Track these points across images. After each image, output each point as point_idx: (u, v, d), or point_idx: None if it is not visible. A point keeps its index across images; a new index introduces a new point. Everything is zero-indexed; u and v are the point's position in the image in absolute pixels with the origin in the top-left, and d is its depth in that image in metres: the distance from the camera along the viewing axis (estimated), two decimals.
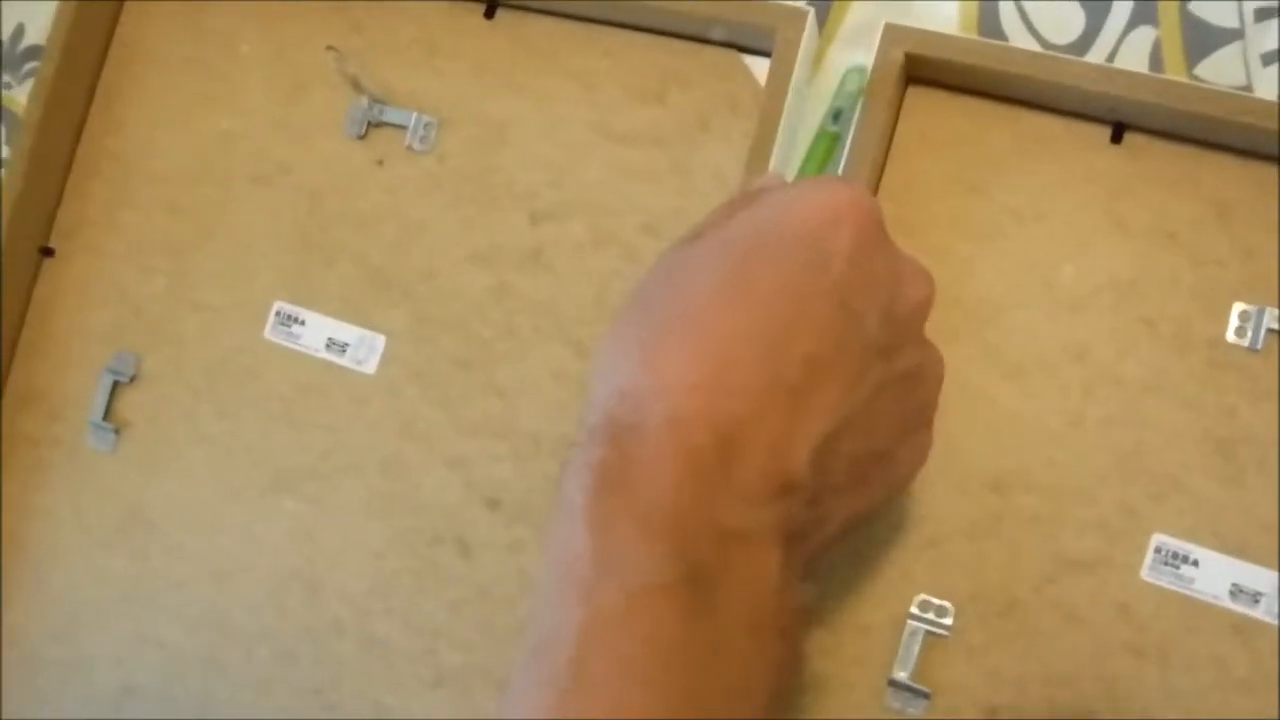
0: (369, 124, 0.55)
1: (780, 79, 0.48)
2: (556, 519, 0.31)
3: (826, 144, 0.44)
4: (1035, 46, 0.49)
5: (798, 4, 0.49)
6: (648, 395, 0.30)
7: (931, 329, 0.40)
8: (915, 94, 0.50)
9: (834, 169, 0.46)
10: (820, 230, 0.33)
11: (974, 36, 0.50)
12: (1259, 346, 0.45)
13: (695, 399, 0.30)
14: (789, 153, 0.50)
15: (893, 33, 0.48)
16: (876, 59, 0.47)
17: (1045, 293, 0.47)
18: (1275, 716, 0.43)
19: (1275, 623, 0.44)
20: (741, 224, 0.34)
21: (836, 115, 0.45)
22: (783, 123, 0.48)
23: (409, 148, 0.54)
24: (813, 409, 0.31)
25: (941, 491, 0.47)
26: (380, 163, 0.54)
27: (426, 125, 0.54)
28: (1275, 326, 0.45)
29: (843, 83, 0.46)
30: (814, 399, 0.31)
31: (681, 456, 0.29)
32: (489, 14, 0.54)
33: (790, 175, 0.47)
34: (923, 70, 0.49)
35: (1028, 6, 0.50)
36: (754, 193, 0.37)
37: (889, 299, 0.34)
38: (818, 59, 0.52)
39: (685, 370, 0.31)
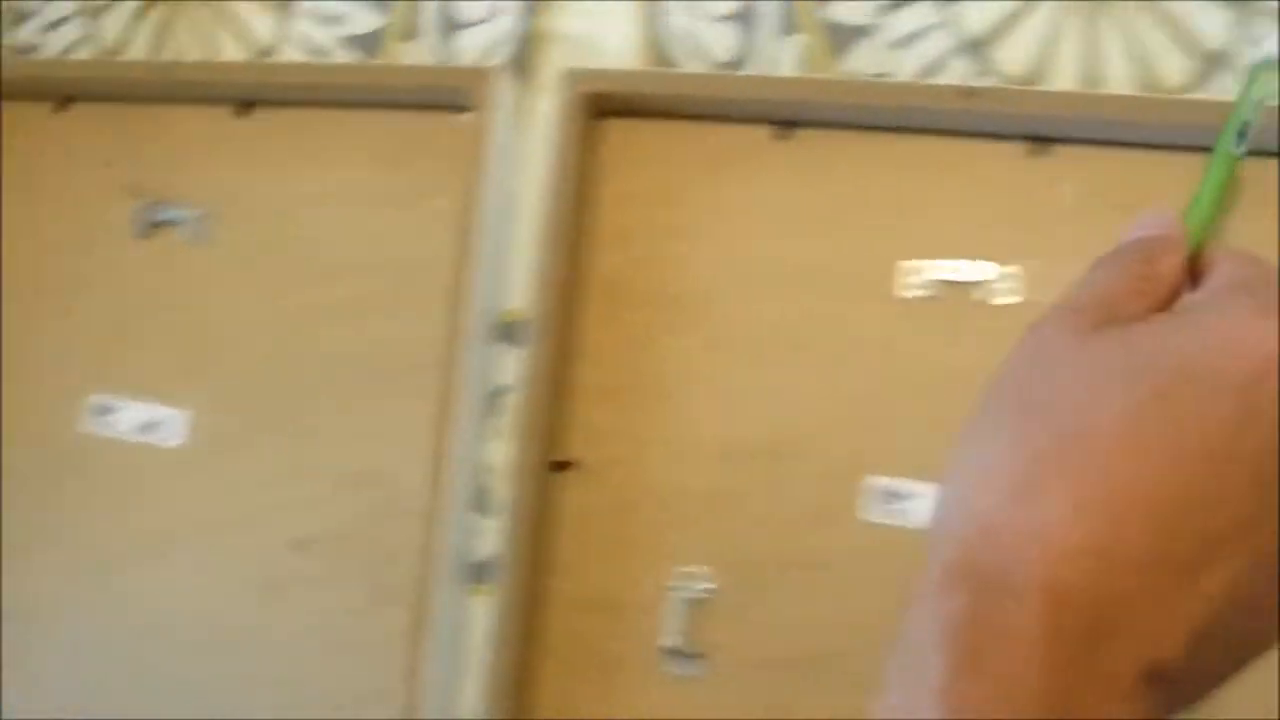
0: (150, 224, 0.60)
1: (480, 131, 0.54)
2: (898, 668, 0.27)
3: (1225, 169, 0.38)
4: (704, 68, 0.55)
5: (486, 65, 0.55)
6: (1019, 543, 0.27)
7: (656, 324, 0.45)
8: (612, 125, 0.56)
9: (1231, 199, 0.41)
10: (1253, 378, 0.28)
11: (650, 68, 0.55)
12: (926, 295, 0.51)
13: (1080, 566, 0.27)
14: (505, 194, 0.55)
15: (577, 75, 0.54)
16: (564, 101, 0.53)
17: (741, 280, 0.53)
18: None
19: None
20: (1155, 338, 0.30)
21: (1242, 133, 0.42)
22: (488, 171, 0.53)
23: (189, 239, 0.59)
24: (1200, 590, 0.27)
25: (683, 467, 0.52)
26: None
27: (201, 218, 0.59)
28: (940, 277, 0.51)
29: (1249, 90, 0.42)
30: (1204, 578, 0.27)
31: (1052, 634, 0.26)
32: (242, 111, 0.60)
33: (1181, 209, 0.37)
34: (613, 104, 0.55)
35: (691, 32, 0.56)
36: (1146, 257, 0.32)
37: None
38: (525, 112, 0.57)
39: (1070, 523, 0.27)
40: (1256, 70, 0.36)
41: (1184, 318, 0.30)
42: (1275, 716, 0.42)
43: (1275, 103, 0.37)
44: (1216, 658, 0.29)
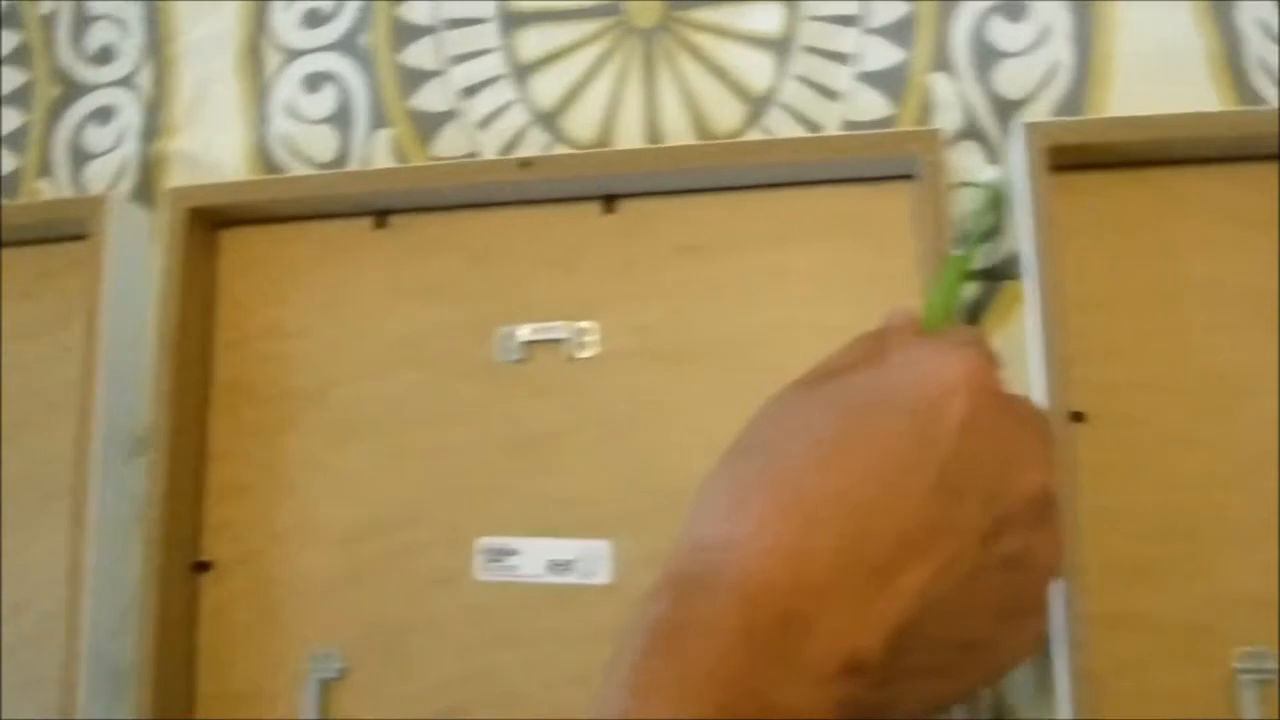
0: None
1: (98, 256, 0.56)
2: (607, 672, 0.29)
3: (955, 269, 0.42)
4: (309, 169, 0.58)
5: (102, 194, 0.58)
6: (721, 552, 0.29)
7: (277, 421, 0.47)
8: (225, 235, 0.58)
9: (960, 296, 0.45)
10: (931, 402, 0.32)
11: (253, 177, 0.58)
12: (519, 358, 0.53)
13: (771, 566, 0.29)
14: (130, 315, 0.57)
15: (182, 192, 0.56)
16: (172, 218, 0.55)
17: (351, 366, 0.55)
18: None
19: (584, 582, 0.51)
20: (858, 381, 0.33)
21: (968, 239, 0.44)
22: (109, 295, 0.55)
23: None
24: (896, 589, 0.30)
25: (310, 555, 0.54)
26: None
27: None
28: (530, 338, 0.53)
29: (977, 206, 0.45)
30: (899, 579, 0.30)
31: (744, 624, 0.28)
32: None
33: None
34: (224, 215, 0.57)
35: (291, 138, 0.59)
36: (880, 336, 0.36)
37: (997, 480, 0.32)
38: (148, 231, 0.59)
39: (764, 531, 0.29)
40: (979, 189, 0.44)
41: (884, 363, 0.34)
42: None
43: (993, 220, 0.46)
44: (924, 659, 0.31)
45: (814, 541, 0.30)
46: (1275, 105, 0.51)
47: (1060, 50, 0.53)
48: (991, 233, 0.51)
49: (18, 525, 0.57)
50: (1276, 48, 0.52)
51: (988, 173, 0.52)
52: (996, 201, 0.47)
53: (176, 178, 0.59)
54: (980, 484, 0.32)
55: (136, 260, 0.58)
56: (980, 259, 0.50)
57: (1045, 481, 0.34)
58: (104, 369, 0.55)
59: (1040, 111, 0.52)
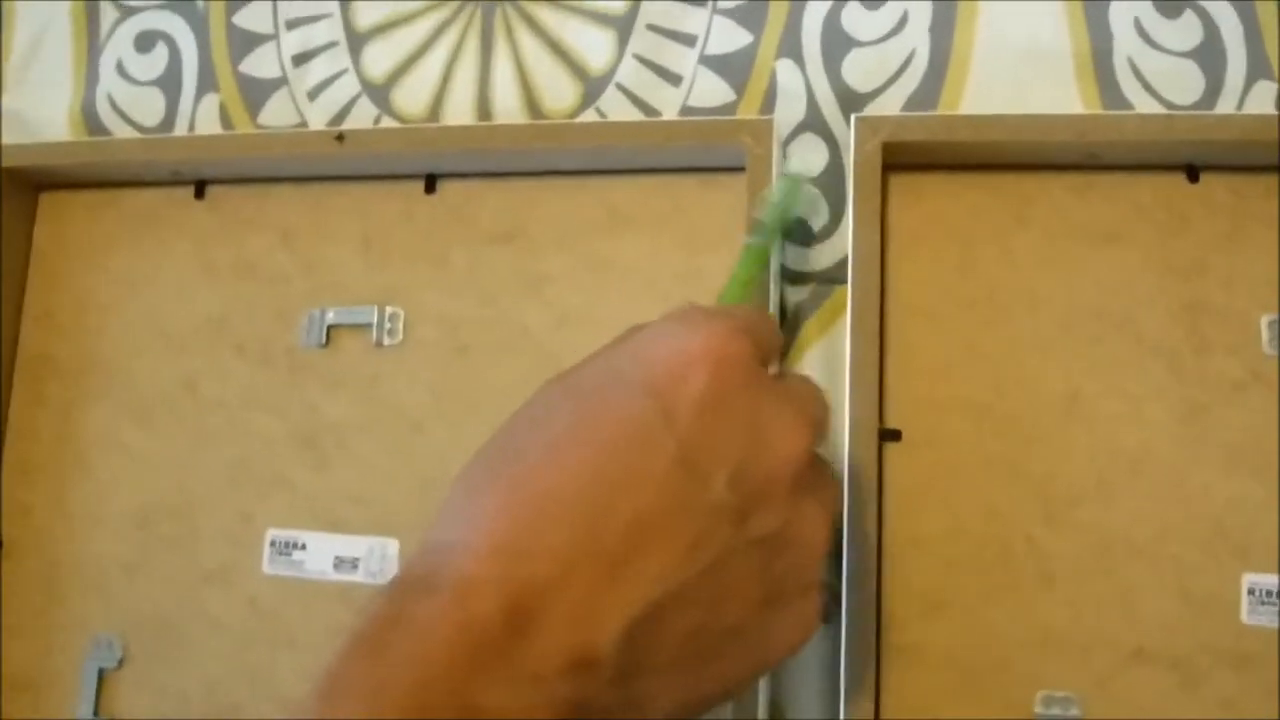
0: None
1: None
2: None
3: (751, 259, 0.41)
4: (134, 134, 0.55)
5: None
6: (443, 552, 0.28)
7: (77, 396, 0.45)
8: (45, 199, 0.56)
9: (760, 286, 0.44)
10: (668, 378, 0.30)
11: (79, 139, 0.55)
12: (324, 343, 0.51)
13: (490, 561, 0.27)
14: None
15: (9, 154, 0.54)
16: None
17: (157, 343, 0.53)
18: None
19: (369, 581, 0.48)
20: (594, 364, 0.32)
21: (763, 229, 0.42)
22: None
23: None
24: (632, 577, 0.28)
25: (100, 537, 0.52)
26: None
27: None
28: (334, 322, 0.51)
29: (774, 197, 0.42)
30: (635, 566, 0.28)
31: (456, 625, 0.26)
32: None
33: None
34: (45, 178, 0.55)
35: (118, 99, 0.56)
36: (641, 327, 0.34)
37: (745, 456, 0.30)
38: None
39: (486, 529, 0.28)
40: (780, 180, 0.41)
41: (624, 342, 0.33)
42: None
43: (794, 213, 0.43)
44: (675, 652, 0.29)
45: (542, 536, 0.28)
46: (1137, 110, 0.47)
47: (916, 41, 0.49)
48: (790, 227, 0.48)
49: None
50: (1150, 50, 0.48)
51: (790, 164, 0.48)
52: (793, 194, 0.43)
53: (4, 136, 0.56)
54: (725, 460, 0.30)
55: None
56: (779, 253, 0.47)
57: (800, 454, 0.31)
58: None
59: (889, 106, 0.49)
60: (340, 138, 0.50)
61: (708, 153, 0.48)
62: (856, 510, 0.42)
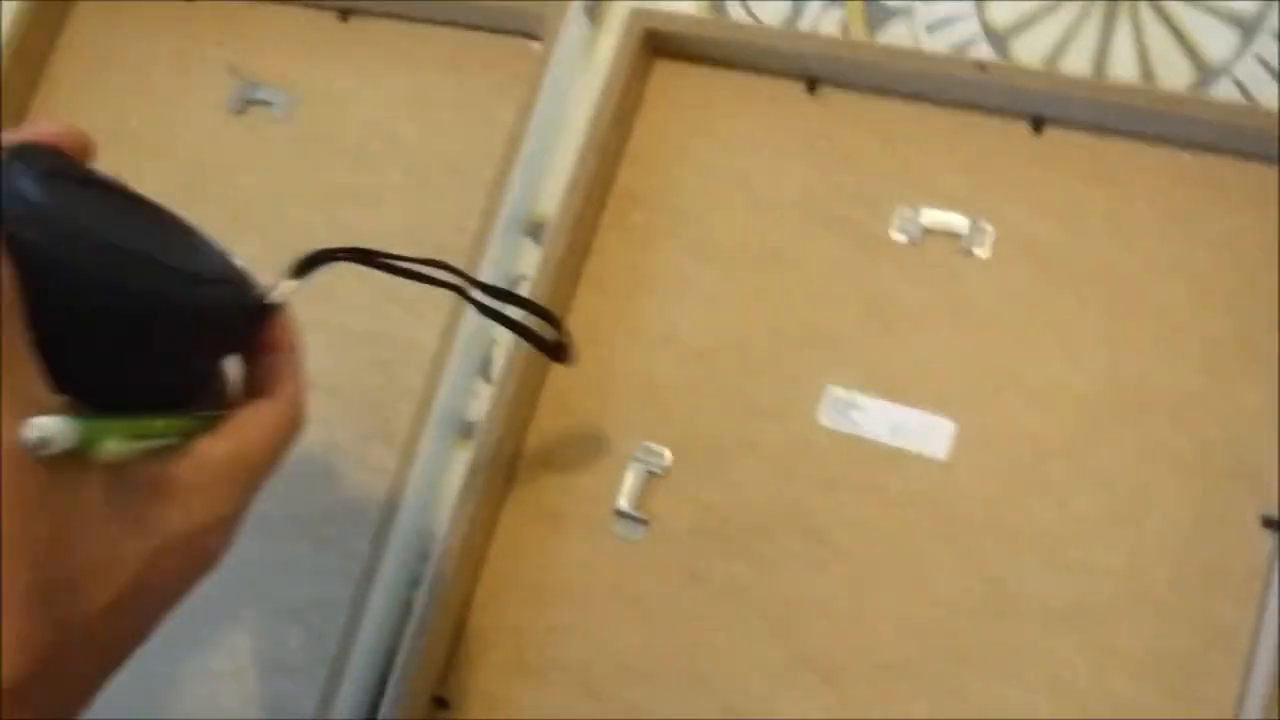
0: (245, 101, 0.69)
1: (545, 58, 0.61)
2: None
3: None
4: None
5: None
6: None
7: (656, 231, 0.51)
8: (663, 65, 0.62)
9: None
10: None
11: (703, 17, 0.62)
12: (912, 240, 0.56)
13: None
14: (556, 114, 0.62)
15: (637, 15, 0.61)
16: (621, 38, 0.60)
17: (749, 204, 0.58)
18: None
19: (921, 451, 0.53)
20: None
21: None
22: (544, 93, 0.61)
23: (276, 119, 0.68)
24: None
25: (659, 358, 0.57)
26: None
27: (289, 102, 0.68)
28: (927, 224, 0.56)
29: None
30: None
31: None
32: (343, 18, 0.69)
33: None
34: (666, 45, 0.62)
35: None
36: None
37: None
38: (590, 44, 0.64)
39: None
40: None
41: None
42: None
43: None
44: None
45: None
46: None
47: None
48: None
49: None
50: None
51: None
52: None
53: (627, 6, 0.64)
54: None
55: (571, 68, 0.63)
56: None
57: None
58: (520, 155, 0.60)
59: None
60: (982, 67, 0.55)
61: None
62: None
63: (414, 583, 0.59)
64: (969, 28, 0.59)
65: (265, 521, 0.59)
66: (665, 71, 0.62)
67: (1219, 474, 0.49)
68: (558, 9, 0.62)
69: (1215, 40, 0.56)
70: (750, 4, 0.63)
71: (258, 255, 0.60)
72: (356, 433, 0.61)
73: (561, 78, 0.62)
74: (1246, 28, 0.56)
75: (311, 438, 0.60)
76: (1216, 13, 0.56)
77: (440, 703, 0.56)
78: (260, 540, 0.60)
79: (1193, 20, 0.57)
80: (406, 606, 0.58)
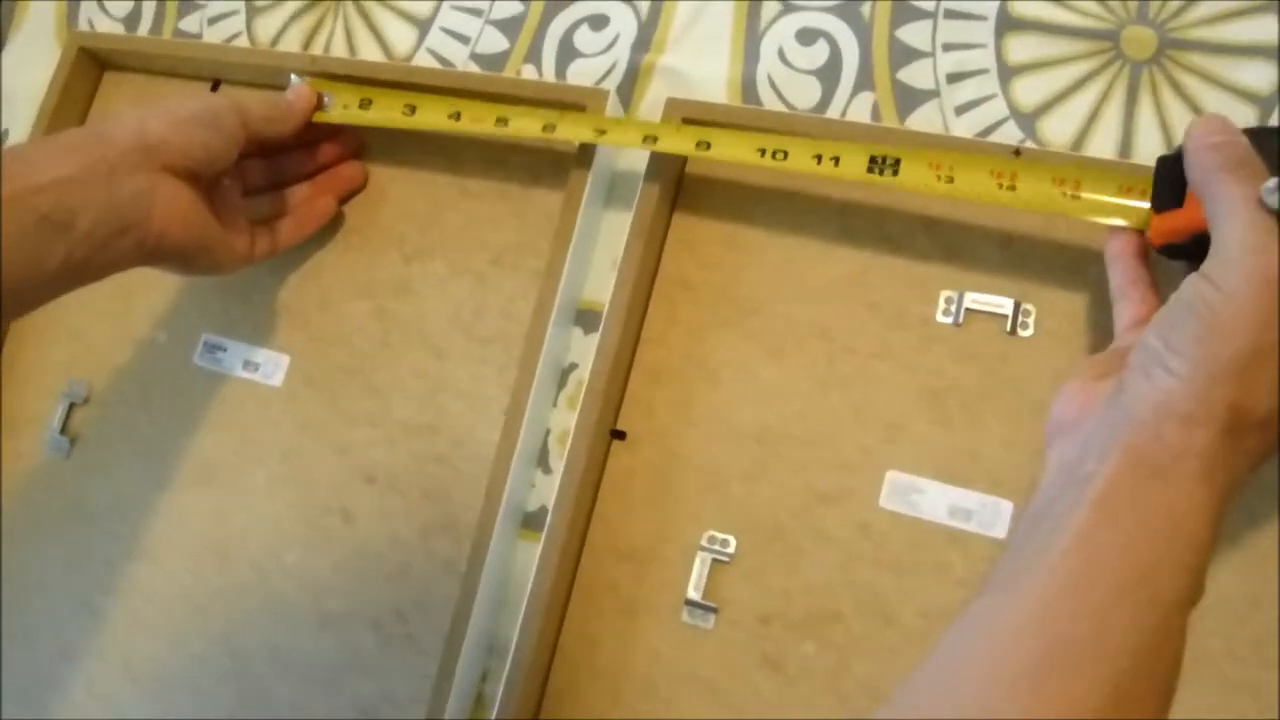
0: None
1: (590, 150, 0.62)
2: None
3: None
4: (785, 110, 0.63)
5: (600, 87, 0.64)
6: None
7: (711, 320, 0.52)
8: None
9: None
10: None
11: (736, 105, 0.64)
12: (958, 322, 0.58)
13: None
14: (598, 189, 0.63)
15: (672, 103, 0.62)
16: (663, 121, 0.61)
17: (799, 291, 0.60)
18: None
19: (982, 532, 0.55)
20: None
21: None
22: (593, 173, 0.62)
23: None
24: None
25: (720, 445, 0.59)
26: None
27: None
28: (972, 306, 0.58)
29: None
30: None
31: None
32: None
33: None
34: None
35: (777, 79, 0.64)
36: None
37: None
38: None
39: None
40: None
41: None
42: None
43: None
44: None
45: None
46: None
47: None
48: None
49: (465, 357, 0.63)
50: None
51: None
52: None
53: (662, 89, 0.65)
54: None
55: (609, 152, 0.64)
56: None
57: None
58: (572, 246, 0.61)
59: None
60: (1017, 152, 0.57)
61: None
62: None
63: (483, 677, 0.60)
64: (996, 109, 0.61)
65: (332, 618, 0.60)
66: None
67: None
68: (594, 93, 0.63)
69: (1234, 117, 0.59)
70: (781, 90, 0.64)
71: (303, 347, 0.61)
72: (419, 527, 0.62)
73: (599, 160, 0.63)
74: (1265, 106, 0.59)
75: (375, 532, 0.62)
76: (1234, 89, 0.59)
77: None
78: (330, 636, 0.61)
79: (1212, 99, 0.59)
80: (478, 701, 0.60)
